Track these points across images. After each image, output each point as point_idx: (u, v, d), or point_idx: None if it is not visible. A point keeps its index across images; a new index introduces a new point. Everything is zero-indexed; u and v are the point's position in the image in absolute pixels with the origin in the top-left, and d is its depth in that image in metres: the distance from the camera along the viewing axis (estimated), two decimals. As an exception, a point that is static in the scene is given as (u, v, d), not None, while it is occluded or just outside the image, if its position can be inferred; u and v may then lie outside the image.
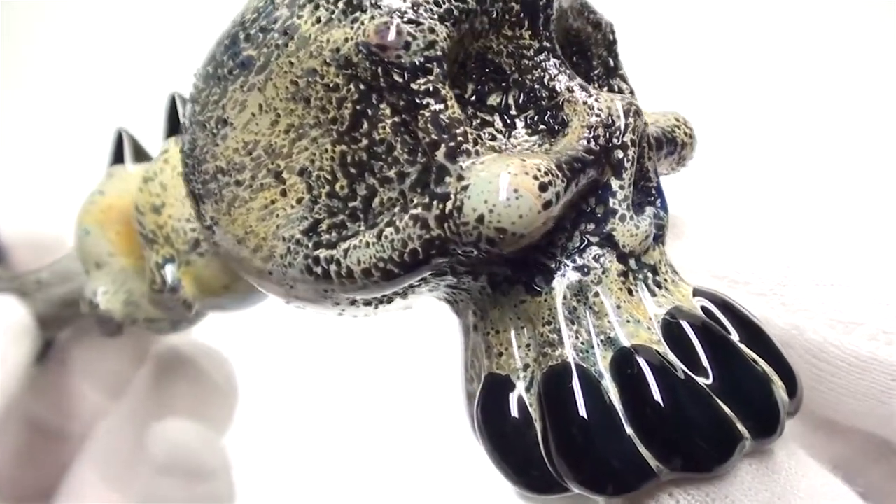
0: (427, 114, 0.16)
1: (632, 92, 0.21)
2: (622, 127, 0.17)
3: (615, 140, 0.17)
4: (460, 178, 0.16)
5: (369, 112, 0.16)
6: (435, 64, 0.16)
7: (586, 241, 0.17)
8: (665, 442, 0.16)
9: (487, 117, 0.18)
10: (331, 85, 0.16)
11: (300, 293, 0.18)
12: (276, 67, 0.17)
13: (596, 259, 0.17)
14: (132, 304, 0.24)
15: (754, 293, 0.19)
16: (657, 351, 0.16)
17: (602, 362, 0.16)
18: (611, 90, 0.21)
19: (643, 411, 0.16)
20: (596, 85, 0.21)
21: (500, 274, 0.17)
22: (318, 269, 0.17)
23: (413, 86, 0.16)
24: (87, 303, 0.24)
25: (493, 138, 0.18)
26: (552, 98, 0.18)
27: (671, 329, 0.17)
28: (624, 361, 0.16)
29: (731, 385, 0.16)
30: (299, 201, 0.17)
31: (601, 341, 0.17)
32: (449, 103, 0.16)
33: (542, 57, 0.18)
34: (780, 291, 0.19)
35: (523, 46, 0.18)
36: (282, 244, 0.18)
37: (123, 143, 0.25)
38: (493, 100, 0.18)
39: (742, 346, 0.17)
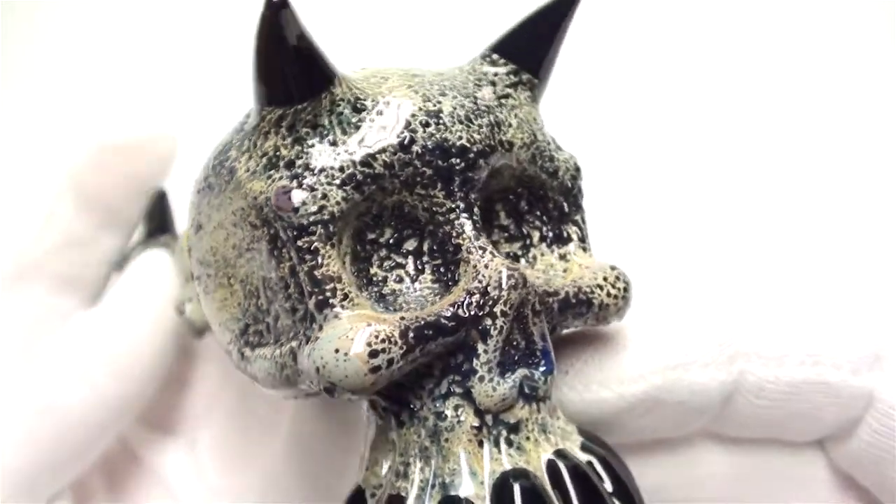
0: (305, 267, 0.19)
1: (583, 239, 0.22)
2: (496, 297, 0.19)
3: (486, 309, 0.19)
4: (320, 328, 0.18)
5: (275, 253, 0.19)
6: (319, 226, 0.18)
7: (450, 391, 0.19)
8: None
9: (401, 260, 0.20)
10: (253, 223, 0.20)
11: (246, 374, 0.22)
12: (224, 197, 0.20)
13: (455, 409, 0.19)
14: None
15: (701, 366, 0.21)
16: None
17: (430, 503, 0.19)
18: (558, 236, 0.22)
19: None
20: (544, 228, 0.22)
21: (378, 402, 0.20)
22: (243, 364, 0.21)
23: (298, 242, 0.19)
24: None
25: (401, 280, 0.20)
26: (456, 253, 0.20)
27: (499, 488, 0.18)
28: None
29: None
30: (238, 304, 0.21)
31: (438, 483, 0.19)
32: (324, 262, 0.18)
33: (454, 215, 0.20)
34: (720, 354, 0.21)
35: (436, 203, 0.20)
36: (229, 334, 0.22)
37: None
38: (410, 244, 0.20)
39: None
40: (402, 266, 0.20)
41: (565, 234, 0.22)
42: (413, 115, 0.19)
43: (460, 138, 0.19)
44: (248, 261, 0.20)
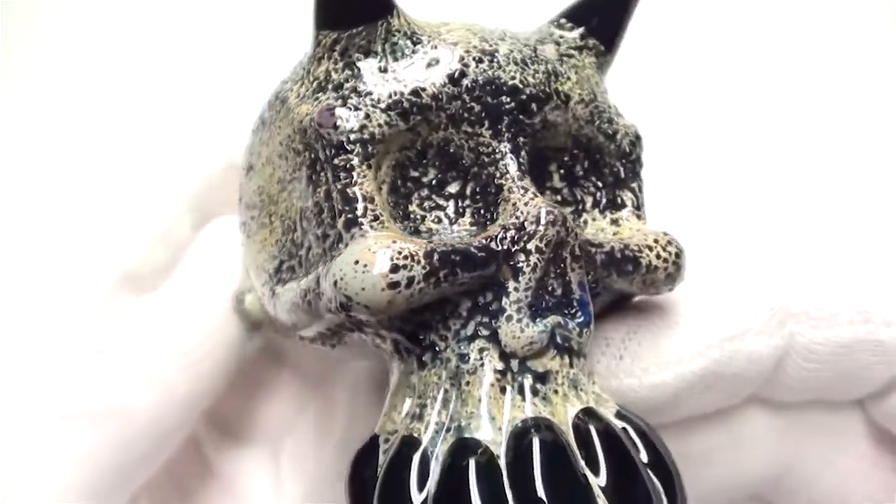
0: (339, 185, 0.18)
1: (638, 206, 0.21)
2: (531, 233, 0.18)
3: (521, 244, 0.18)
4: (347, 246, 0.18)
5: (313, 178, 0.19)
6: (358, 145, 0.18)
7: (477, 333, 0.18)
8: None
9: (442, 202, 0.20)
10: (297, 149, 0.19)
11: (273, 317, 0.21)
12: (274, 128, 0.20)
13: (480, 351, 0.18)
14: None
15: (756, 333, 0.20)
16: (490, 452, 0.17)
17: (442, 446, 0.17)
18: (612, 201, 0.21)
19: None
20: (598, 194, 0.21)
21: (401, 343, 0.19)
22: (272, 303, 0.20)
23: (336, 160, 0.18)
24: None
25: (439, 221, 0.19)
26: (497, 195, 0.19)
27: (518, 436, 0.17)
28: (455, 452, 0.17)
29: None
30: (276, 242, 0.21)
31: (454, 427, 0.17)
32: (358, 180, 0.18)
33: (499, 156, 0.19)
34: (772, 318, 0.21)
35: (482, 143, 0.19)
36: (264, 274, 0.21)
37: None
38: (453, 187, 0.20)
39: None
40: (443, 208, 0.20)
41: (619, 200, 0.21)
42: (467, 52, 0.19)
43: (513, 78, 0.19)
44: (290, 193, 0.20)
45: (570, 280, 0.18)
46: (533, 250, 0.18)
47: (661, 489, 0.17)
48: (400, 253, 0.17)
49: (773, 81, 0.46)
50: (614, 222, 0.21)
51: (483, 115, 0.19)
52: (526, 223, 0.18)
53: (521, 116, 0.19)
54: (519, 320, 0.18)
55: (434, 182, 0.20)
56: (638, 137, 0.21)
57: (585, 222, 0.21)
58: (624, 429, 0.18)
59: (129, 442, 0.23)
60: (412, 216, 0.19)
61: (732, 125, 0.44)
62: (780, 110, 0.45)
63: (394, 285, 0.17)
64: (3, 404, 0.23)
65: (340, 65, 0.19)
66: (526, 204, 0.18)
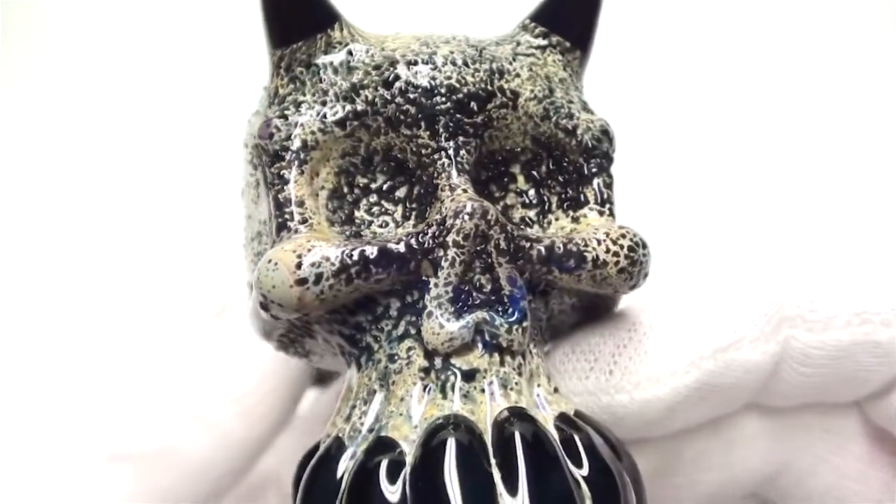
0: (273, 192, 0.19)
1: (602, 202, 0.20)
2: (450, 227, 0.17)
3: (440, 239, 0.17)
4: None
5: (260, 185, 0.20)
6: (290, 153, 0.19)
7: (407, 332, 0.18)
8: None
9: (390, 207, 0.20)
10: (254, 164, 0.20)
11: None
12: (245, 151, 0.21)
13: (407, 350, 0.18)
14: None
15: (751, 342, 0.19)
16: (401, 451, 0.16)
17: (362, 446, 0.17)
18: (575, 199, 0.20)
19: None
20: (563, 193, 0.20)
21: (344, 346, 0.19)
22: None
23: (271, 169, 0.19)
24: None
25: (386, 225, 0.19)
26: (434, 194, 0.19)
27: (430, 433, 0.16)
28: (369, 451, 0.17)
29: None
30: (254, 258, 0.21)
31: (377, 426, 0.17)
32: (289, 187, 0.18)
33: (438, 156, 0.19)
34: (767, 324, 0.19)
35: (422, 145, 0.19)
36: (247, 290, 0.22)
37: None
38: (402, 192, 0.20)
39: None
40: (391, 213, 0.20)
41: (582, 197, 0.20)
42: (403, 56, 0.19)
43: (449, 78, 0.19)
44: (258, 207, 0.21)
45: (499, 276, 0.18)
46: (451, 244, 0.17)
47: (586, 501, 0.16)
48: (309, 251, 0.17)
49: (766, 82, 0.44)
50: (575, 220, 0.20)
51: (419, 116, 0.19)
52: (447, 218, 0.18)
53: (458, 115, 0.19)
54: (438, 316, 0.17)
55: (384, 188, 0.20)
56: (605, 132, 0.20)
57: (549, 223, 0.20)
58: (566, 434, 0.17)
59: (178, 484, 0.22)
60: (357, 221, 0.20)
61: (725, 127, 0.43)
62: (773, 111, 0.44)
63: (301, 282, 0.17)
64: (52, 442, 0.23)
65: (286, 80, 0.20)
66: (452, 200, 0.18)
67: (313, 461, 0.17)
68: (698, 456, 0.22)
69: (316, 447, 0.19)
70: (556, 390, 0.19)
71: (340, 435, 0.18)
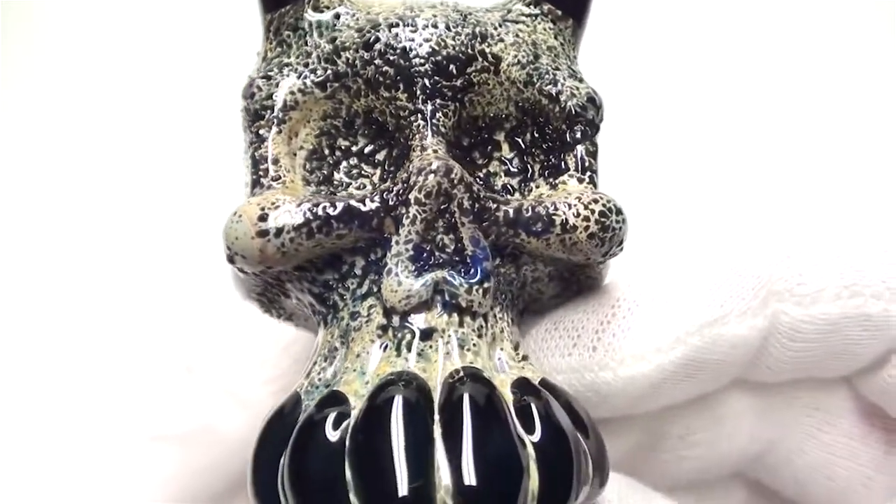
0: (251, 150, 0.19)
1: (583, 170, 0.19)
2: (412, 184, 0.17)
3: (403, 196, 0.17)
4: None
5: (245, 140, 0.20)
6: (269, 112, 0.19)
7: (370, 290, 0.18)
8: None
9: (369, 170, 0.20)
10: (245, 128, 0.21)
11: None
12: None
13: (369, 308, 0.18)
14: None
15: (738, 316, 0.19)
16: (347, 405, 0.16)
17: (316, 399, 0.17)
18: (556, 166, 0.20)
19: (291, 461, 0.16)
20: (546, 161, 0.20)
21: (314, 305, 0.19)
22: None
23: (252, 128, 0.19)
24: None
25: (363, 188, 0.20)
26: (408, 156, 0.19)
27: (378, 389, 0.16)
28: (318, 405, 0.17)
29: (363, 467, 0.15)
30: None
31: (332, 382, 0.17)
32: (266, 145, 0.19)
33: (414, 118, 0.19)
34: (754, 298, 0.19)
35: (400, 108, 0.19)
36: None
37: None
38: (381, 154, 0.20)
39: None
40: (369, 175, 0.20)
41: (563, 165, 0.19)
42: (385, 19, 0.19)
43: (428, 40, 0.19)
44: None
45: (462, 236, 0.17)
46: (412, 201, 0.17)
47: (531, 464, 0.15)
48: (273, 204, 0.17)
49: (759, 55, 0.44)
50: (553, 187, 0.19)
51: (398, 77, 0.19)
52: (411, 176, 0.17)
53: (436, 78, 0.19)
54: (397, 274, 0.17)
55: (364, 151, 0.20)
56: (591, 100, 0.20)
57: (530, 191, 0.20)
58: (521, 398, 0.17)
59: (218, 464, 0.23)
60: (335, 182, 0.20)
61: (712, 101, 0.43)
62: (763, 83, 0.44)
63: (263, 233, 0.17)
64: (93, 424, 0.23)
65: (274, 43, 0.20)
66: (419, 160, 0.18)
67: (269, 414, 0.18)
68: (684, 432, 0.21)
69: (286, 400, 0.19)
70: (524, 358, 0.18)
71: (298, 390, 0.18)
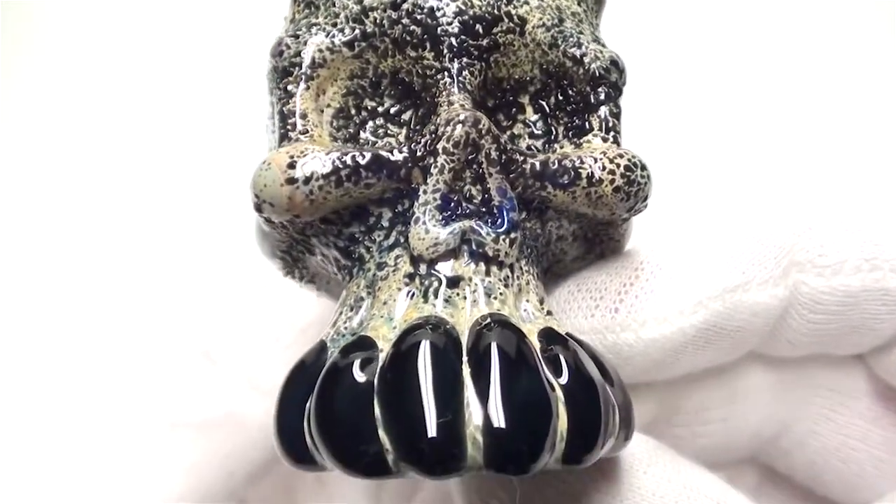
0: (280, 105, 0.19)
1: (607, 130, 0.20)
2: (440, 134, 0.17)
3: (431, 147, 0.17)
4: None
5: (271, 98, 0.20)
6: (297, 68, 0.19)
7: (397, 241, 0.18)
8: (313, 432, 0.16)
9: (395, 129, 0.20)
10: (271, 90, 0.21)
11: None
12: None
13: (395, 258, 0.18)
14: None
15: (759, 284, 0.19)
16: (376, 349, 0.16)
17: (342, 346, 0.17)
18: (580, 127, 0.20)
19: (318, 402, 0.16)
20: (566, 125, 0.20)
21: (340, 260, 0.19)
22: None
23: (280, 85, 0.19)
24: None
25: (388, 147, 0.20)
26: (435, 112, 0.19)
27: (405, 333, 0.16)
28: (344, 350, 0.17)
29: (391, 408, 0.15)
30: None
31: (358, 330, 0.17)
32: (294, 100, 0.19)
33: (441, 77, 0.19)
34: (776, 267, 0.19)
35: (427, 67, 0.19)
36: None
37: None
38: (407, 115, 0.20)
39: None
40: (395, 135, 0.20)
41: (587, 125, 0.20)
42: None
43: (455, 0, 0.19)
44: (272, 138, 0.21)
45: (489, 186, 0.18)
46: (440, 151, 0.17)
47: (559, 406, 0.15)
48: (302, 152, 0.17)
49: (787, 21, 0.44)
50: (577, 146, 0.20)
51: (424, 37, 0.19)
52: (439, 127, 0.18)
53: (463, 37, 0.19)
54: (425, 222, 0.17)
55: (391, 111, 0.20)
56: (614, 63, 0.20)
57: (554, 151, 0.20)
58: (549, 347, 0.17)
59: (238, 451, 0.23)
60: (361, 141, 0.20)
61: (737, 70, 0.43)
62: (789, 51, 0.44)
63: (291, 181, 0.17)
64: (112, 412, 0.23)
65: (302, 5, 0.20)
66: (446, 112, 0.18)
67: (295, 362, 0.17)
68: (700, 407, 0.21)
69: (315, 347, 0.19)
70: (549, 313, 0.18)
71: (324, 338, 0.18)
